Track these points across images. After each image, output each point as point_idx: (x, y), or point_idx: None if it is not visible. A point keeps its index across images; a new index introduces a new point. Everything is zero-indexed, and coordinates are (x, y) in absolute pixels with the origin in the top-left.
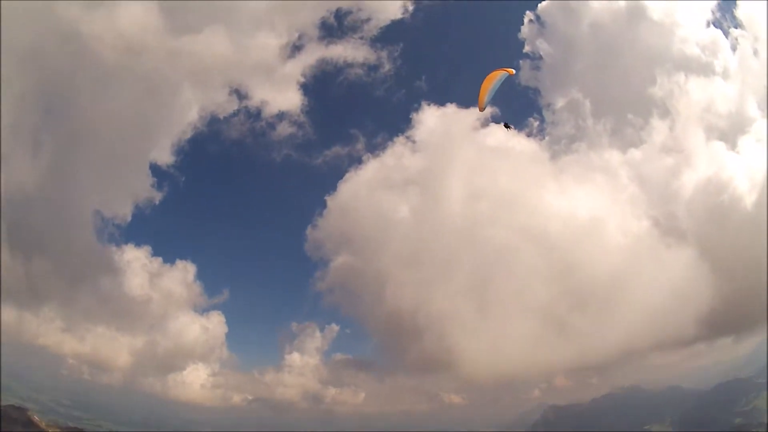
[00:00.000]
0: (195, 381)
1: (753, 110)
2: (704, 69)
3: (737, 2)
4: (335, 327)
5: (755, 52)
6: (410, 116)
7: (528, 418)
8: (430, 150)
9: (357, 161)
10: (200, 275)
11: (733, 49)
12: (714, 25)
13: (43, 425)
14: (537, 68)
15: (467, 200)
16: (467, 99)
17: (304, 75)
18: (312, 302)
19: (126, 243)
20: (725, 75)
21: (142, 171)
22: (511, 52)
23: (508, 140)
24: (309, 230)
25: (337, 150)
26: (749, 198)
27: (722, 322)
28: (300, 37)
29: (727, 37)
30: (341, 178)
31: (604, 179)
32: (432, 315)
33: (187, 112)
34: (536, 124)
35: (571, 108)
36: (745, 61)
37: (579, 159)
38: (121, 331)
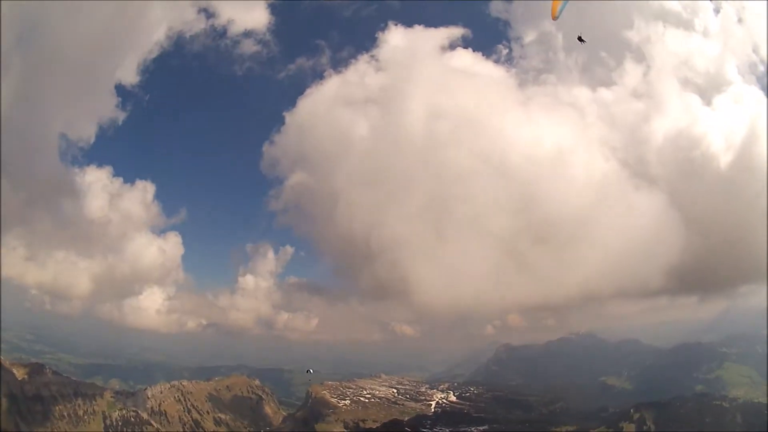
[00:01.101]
0: (151, 306)
1: (732, 73)
2: (684, 24)
3: None
4: (290, 249)
5: (740, 20)
6: (376, 35)
7: (480, 356)
8: (394, 69)
9: (319, 77)
10: (159, 195)
11: (716, 11)
12: None
13: (7, 364)
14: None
15: (428, 120)
16: (436, 20)
17: None
18: (267, 222)
19: (88, 164)
20: (705, 34)
21: (108, 91)
22: None
23: (474, 65)
24: (266, 147)
25: (300, 64)
26: (724, 158)
27: (690, 278)
28: None
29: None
30: (302, 93)
31: (571, 114)
32: (386, 239)
33: (155, 31)
34: (505, 52)
35: (542, 41)
36: (728, 25)
37: (547, 91)
38: (81, 256)
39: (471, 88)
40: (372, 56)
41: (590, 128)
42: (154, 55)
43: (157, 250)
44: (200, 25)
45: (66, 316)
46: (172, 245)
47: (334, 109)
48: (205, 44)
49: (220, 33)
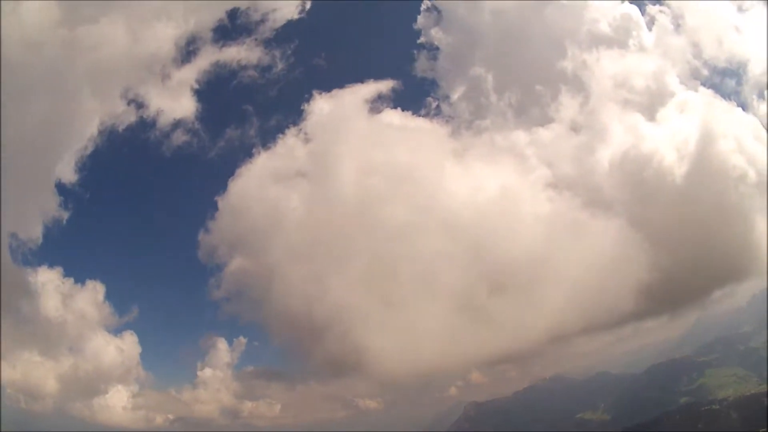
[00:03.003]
0: (118, 404)
1: (674, 84)
2: (618, 44)
3: None
4: (243, 339)
5: (678, 27)
6: (302, 107)
7: (448, 417)
8: (322, 136)
9: (248, 156)
10: (109, 294)
11: (650, 25)
12: (629, 1)
13: None
14: (434, 58)
15: (361, 180)
16: (361, 80)
17: (198, 81)
18: (214, 314)
19: (40, 265)
20: (641, 50)
21: (49, 190)
22: (407, 43)
23: (405, 120)
24: (201, 235)
25: (229, 146)
26: (678, 170)
27: (662, 295)
28: (194, 41)
29: (643, 14)
30: (232, 175)
31: (511, 157)
32: (331, 311)
33: (88, 126)
34: (435, 104)
35: (473, 87)
36: (664, 36)
37: (483, 138)
38: (45, 356)
39: (403, 142)
40: (299, 129)
41: (532, 168)
42: (89, 151)
43: (115, 349)
44: (130, 117)
45: (41, 414)
46: (129, 344)
47: (266, 187)
48: (136, 137)
49: (150, 124)
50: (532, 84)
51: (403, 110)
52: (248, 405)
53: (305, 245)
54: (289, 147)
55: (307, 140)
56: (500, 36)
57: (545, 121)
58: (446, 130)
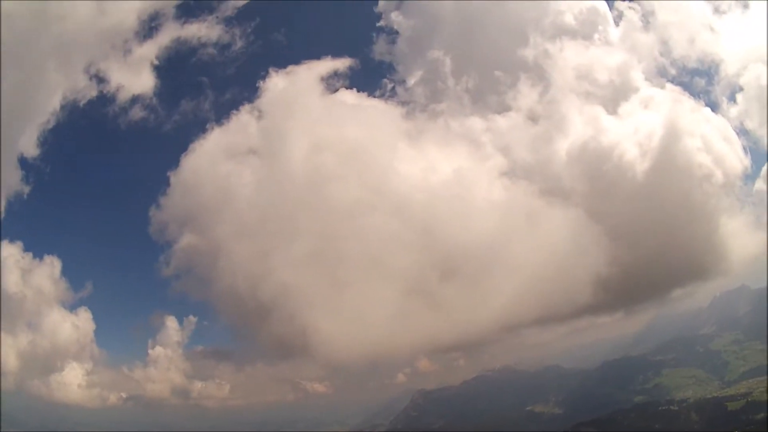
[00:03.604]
0: (73, 381)
1: (639, 80)
2: (583, 36)
3: None
4: (193, 318)
5: (646, 25)
6: (258, 85)
7: (396, 404)
8: (276, 112)
9: (201, 132)
10: (65, 270)
11: (617, 21)
12: None
13: None
14: (392, 42)
15: (311, 157)
16: (317, 57)
17: (158, 57)
18: (165, 292)
19: (1, 239)
20: (606, 44)
21: (12, 164)
22: (366, 26)
23: (360, 100)
24: (152, 211)
25: (184, 121)
26: (640, 166)
27: (620, 291)
28: (157, 17)
29: (611, 9)
30: (185, 151)
31: (466, 143)
32: (277, 291)
33: (51, 100)
34: (390, 86)
35: (430, 70)
36: (631, 33)
37: (438, 122)
38: (5, 332)
39: (356, 122)
40: (253, 106)
41: (487, 155)
42: (51, 125)
43: (71, 326)
44: (92, 92)
45: (5, 392)
46: (84, 321)
47: (217, 163)
48: (96, 112)
49: (110, 100)
50: (491, 71)
51: (358, 91)
52: (198, 385)
53: (255, 223)
54: (243, 124)
55: (260, 117)
56: (461, 22)
57: (502, 108)
58: (401, 113)
